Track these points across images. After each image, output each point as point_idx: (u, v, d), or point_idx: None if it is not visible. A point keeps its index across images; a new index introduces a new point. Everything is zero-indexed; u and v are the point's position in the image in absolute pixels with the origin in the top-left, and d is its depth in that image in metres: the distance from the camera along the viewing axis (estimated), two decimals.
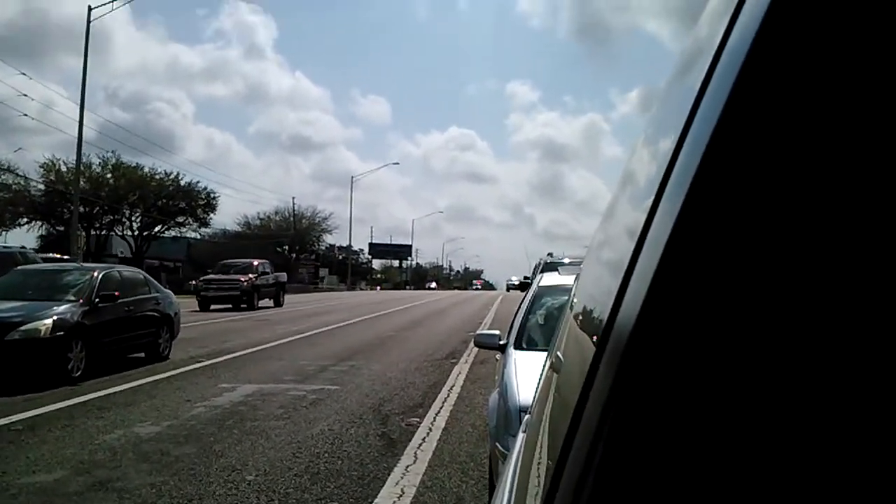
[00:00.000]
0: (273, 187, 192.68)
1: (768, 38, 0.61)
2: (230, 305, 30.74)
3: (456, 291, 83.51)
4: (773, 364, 0.57)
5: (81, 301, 11.88)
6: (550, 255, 24.11)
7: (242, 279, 31.04)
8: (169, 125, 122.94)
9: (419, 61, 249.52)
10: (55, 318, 11.05)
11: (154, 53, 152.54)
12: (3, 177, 45.27)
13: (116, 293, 12.61)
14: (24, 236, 53.24)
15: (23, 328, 10.67)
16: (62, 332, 10.96)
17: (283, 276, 37.50)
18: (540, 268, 18.92)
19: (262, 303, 32.72)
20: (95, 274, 12.77)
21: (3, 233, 47.40)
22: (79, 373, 11.16)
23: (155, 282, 15.29)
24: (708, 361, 0.59)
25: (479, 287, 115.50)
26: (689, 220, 0.62)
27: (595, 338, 0.84)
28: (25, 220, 52.03)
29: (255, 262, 33.57)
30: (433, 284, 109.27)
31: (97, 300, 12.10)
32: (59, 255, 28.17)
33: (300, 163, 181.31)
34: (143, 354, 13.60)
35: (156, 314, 14.08)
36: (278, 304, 34.52)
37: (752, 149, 0.60)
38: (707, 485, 0.58)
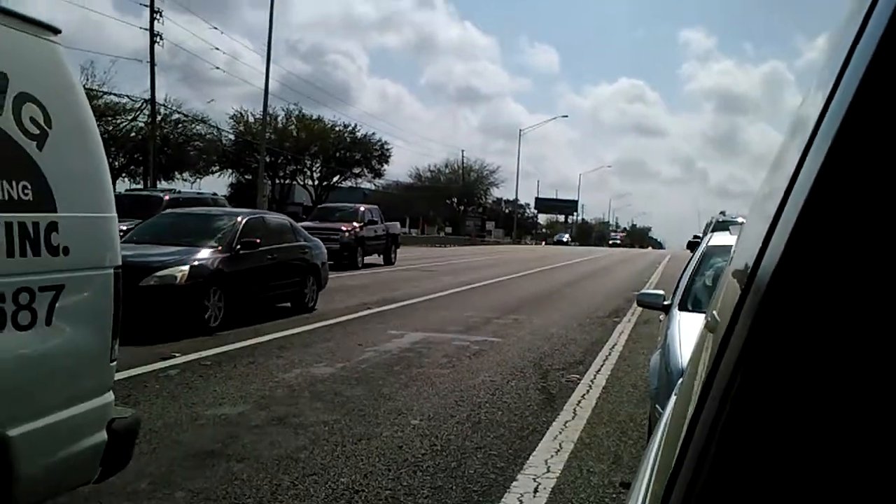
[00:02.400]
0: (442, 139, 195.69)
1: None
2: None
3: (622, 249, 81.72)
4: None
5: (222, 248, 11.43)
6: (723, 213, 23.05)
7: (344, 228, 24.33)
8: (344, 77, 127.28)
9: (589, 7, 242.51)
10: (193, 264, 10.66)
11: (331, 5, 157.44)
12: (196, 127, 48.62)
13: (257, 240, 11.97)
14: (216, 183, 57.00)
15: (158, 274, 10.26)
16: (199, 280, 10.57)
17: (396, 227, 30.11)
18: (711, 227, 18.15)
19: (368, 259, 25.99)
20: (239, 219, 12.26)
21: (198, 179, 51.07)
22: (217, 322, 10.77)
23: (302, 230, 14.71)
24: (846, 313, 0.59)
25: (619, 241, 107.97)
26: (833, 167, 0.61)
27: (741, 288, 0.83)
28: (217, 168, 55.80)
29: (362, 208, 27.13)
30: (566, 237, 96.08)
31: (238, 247, 11.59)
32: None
33: (468, 114, 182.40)
34: (288, 305, 13.22)
35: (301, 263, 13.55)
36: (388, 261, 27.68)
37: None
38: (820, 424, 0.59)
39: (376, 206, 28.68)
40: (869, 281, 0.58)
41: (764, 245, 0.73)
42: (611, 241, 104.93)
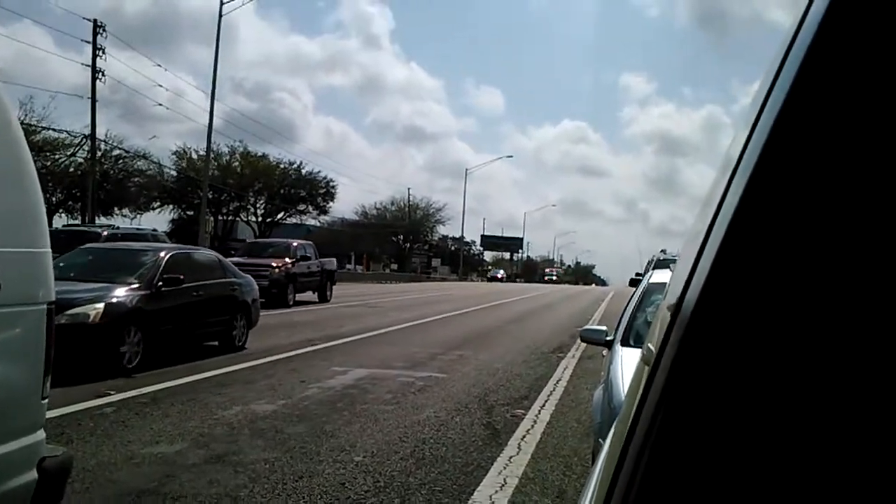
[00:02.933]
0: (388, 177, 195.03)
1: (829, 30, 0.65)
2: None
3: (566, 286, 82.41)
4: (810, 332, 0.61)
5: (142, 285, 10.89)
6: (664, 251, 23.58)
7: (274, 264, 23.40)
8: (290, 115, 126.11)
9: (532, 52, 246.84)
10: (108, 302, 10.10)
11: (277, 44, 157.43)
12: (138, 163, 47.98)
13: (181, 277, 11.45)
14: (156, 219, 56.17)
15: (70, 312, 9.45)
16: (115, 318, 10.01)
17: (332, 263, 28.53)
18: (652, 264, 18.55)
19: (301, 297, 24.95)
20: (162, 255, 11.73)
21: (138, 216, 50.29)
22: (134, 363, 10.19)
23: (232, 266, 14.13)
24: (765, 339, 0.62)
25: (555, 277, 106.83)
26: (750, 200, 0.65)
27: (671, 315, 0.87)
28: (158, 204, 54.95)
29: (295, 244, 26.25)
30: (500, 273, 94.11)
31: (160, 283, 11.05)
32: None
33: (414, 153, 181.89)
34: (216, 344, 12.65)
35: (230, 301, 12.98)
36: (324, 298, 26.59)
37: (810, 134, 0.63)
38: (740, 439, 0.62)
39: (310, 242, 27.78)
40: (785, 308, 0.61)
41: (689, 278, 0.76)
42: (546, 278, 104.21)
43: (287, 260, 24.16)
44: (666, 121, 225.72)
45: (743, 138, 0.98)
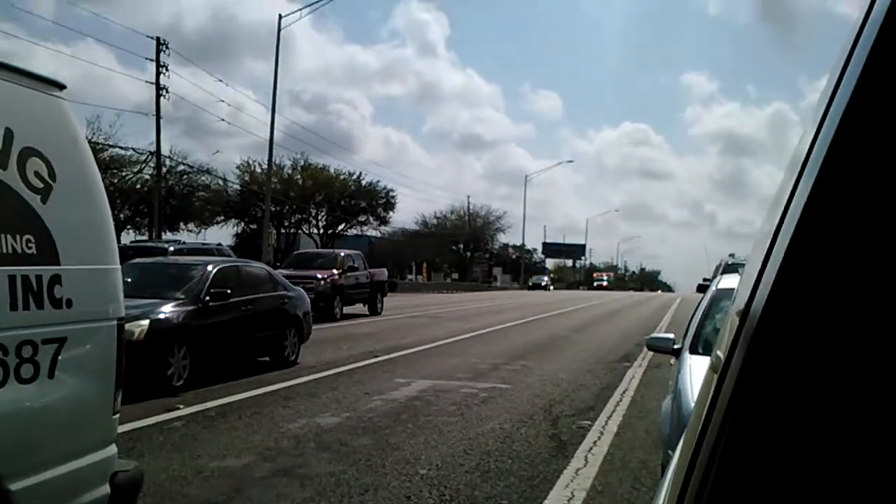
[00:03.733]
0: (446, 186, 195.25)
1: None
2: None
3: (631, 293, 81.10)
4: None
5: (188, 300, 10.64)
6: (732, 255, 23.05)
7: (320, 276, 22.35)
8: (348, 126, 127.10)
9: (590, 55, 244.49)
10: (154, 318, 9.77)
11: (333, 55, 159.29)
12: (202, 178, 49.25)
13: (228, 291, 11.16)
14: (220, 233, 57.51)
15: None
16: (160, 336, 9.68)
17: (383, 274, 27.61)
18: (720, 269, 18.14)
19: (350, 309, 24.04)
20: (209, 269, 11.44)
21: (203, 230, 51.61)
22: (181, 381, 9.89)
23: (283, 279, 13.89)
24: (835, 342, 0.61)
25: (605, 283, 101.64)
26: (817, 200, 0.63)
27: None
28: (221, 218, 56.26)
29: (342, 254, 25.26)
30: (544, 281, 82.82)
31: (207, 298, 10.80)
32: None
33: (472, 161, 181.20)
34: (267, 359, 12.34)
35: (280, 314, 12.69)
36: (374, 311, 25.63)
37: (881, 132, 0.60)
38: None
39: (359, 252, 26.93)
40: (857, 312, 0.59)
41: (757, 280, 0.74)
42: (596, 283, 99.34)
43: (334, 271, 23.26)
44: (730, 120, 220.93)
45: (810, 136, 0.95)
